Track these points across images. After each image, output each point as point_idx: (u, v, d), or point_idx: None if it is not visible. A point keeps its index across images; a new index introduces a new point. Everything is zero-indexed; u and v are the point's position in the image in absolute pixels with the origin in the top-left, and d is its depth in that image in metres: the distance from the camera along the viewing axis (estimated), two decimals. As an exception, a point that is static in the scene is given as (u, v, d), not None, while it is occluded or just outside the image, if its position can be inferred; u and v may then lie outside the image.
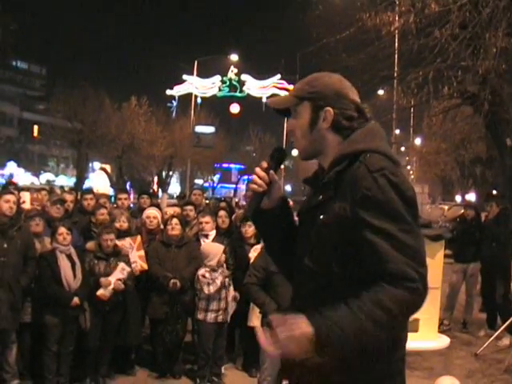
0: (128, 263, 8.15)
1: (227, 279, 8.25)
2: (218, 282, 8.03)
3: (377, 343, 2.39)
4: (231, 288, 8.41)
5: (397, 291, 2.32)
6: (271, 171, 2.82)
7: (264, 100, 52.09)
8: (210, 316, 8.07)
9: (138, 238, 8.66)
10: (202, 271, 8.08)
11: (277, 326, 2.32)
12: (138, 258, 8.47)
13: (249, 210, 2.94)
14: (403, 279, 2.33)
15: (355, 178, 2.53)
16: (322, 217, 2.61)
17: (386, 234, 2.40)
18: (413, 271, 2.34)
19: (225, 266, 8.29)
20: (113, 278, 7.86)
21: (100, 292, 7.84)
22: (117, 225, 8.74)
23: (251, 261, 8.32)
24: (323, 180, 2.70)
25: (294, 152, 33.25)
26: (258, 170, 2.82)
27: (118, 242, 8.33)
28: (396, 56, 18.16)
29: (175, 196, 44.77)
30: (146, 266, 8.50)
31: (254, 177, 2.82)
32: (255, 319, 8.11)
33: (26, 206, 9.50)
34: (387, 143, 2.75)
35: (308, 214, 2.76)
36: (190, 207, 10.07)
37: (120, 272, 7.90)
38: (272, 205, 2.88)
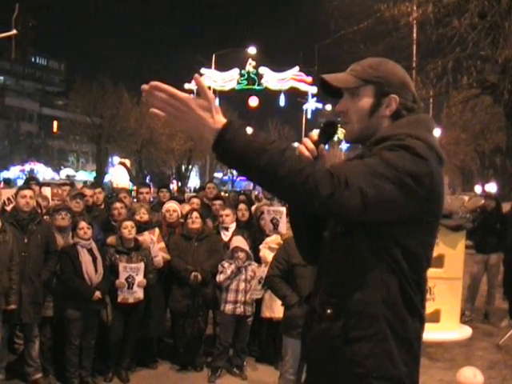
0: (149, 257, 8.17)
1: (252, 273, 8.24)
2: (229, 271, 8.08)
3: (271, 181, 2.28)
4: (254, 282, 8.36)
5: (317, 174, 2.25)
6: (321, 145, 2.71)
7: (282, 93, 52.05)
8: (228, 307, 8.12)
9: (157, 230, 8.67)
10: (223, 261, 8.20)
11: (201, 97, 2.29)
12: (159, 251, 8.50)
13: None
14: (327, 176, 2.26)
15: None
16: None
17: (365, 164, 2.37)
18: (336, 180, 2.24)
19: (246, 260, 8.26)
20: (122, 279, 7.80)
21: (121, 298, 7.84)
22: (137, 217, 8.74)
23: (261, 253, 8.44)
24: None
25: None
26: (306, 140, 2.72)
27: (139, 237, 8.35)
28: (414, 46, 18.13)
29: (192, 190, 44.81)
30: (168, 257, 8.52)
31: (301, 147, 2.71)
32: (266, 310, 8.19)
33: (48, 201, 9.50)
34: (433, 136, 2.63)
35: None
36: (219, 202, 10.14)
37: (123, 271, 7.83)
38: None
